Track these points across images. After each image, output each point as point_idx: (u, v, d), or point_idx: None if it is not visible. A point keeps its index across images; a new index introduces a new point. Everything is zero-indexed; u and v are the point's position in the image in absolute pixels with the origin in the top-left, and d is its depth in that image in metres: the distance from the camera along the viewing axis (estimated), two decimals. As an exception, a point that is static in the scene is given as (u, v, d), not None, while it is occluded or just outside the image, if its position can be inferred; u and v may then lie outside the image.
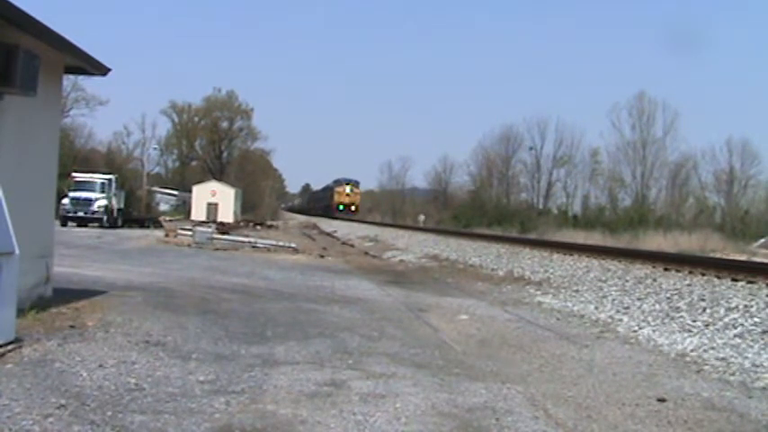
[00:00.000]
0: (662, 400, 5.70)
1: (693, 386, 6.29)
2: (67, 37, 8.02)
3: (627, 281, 13.29)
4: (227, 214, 54.57)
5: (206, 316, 8.39)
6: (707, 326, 8.91)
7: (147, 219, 43.09)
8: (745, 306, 9.64)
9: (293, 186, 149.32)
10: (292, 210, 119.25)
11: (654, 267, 14.82)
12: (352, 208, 79.09)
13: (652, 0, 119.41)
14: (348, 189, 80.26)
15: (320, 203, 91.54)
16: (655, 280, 12.99)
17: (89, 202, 34.28)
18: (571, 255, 19.07)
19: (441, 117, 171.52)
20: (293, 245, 24.19)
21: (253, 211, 66.80)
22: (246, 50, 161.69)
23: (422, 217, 61.75)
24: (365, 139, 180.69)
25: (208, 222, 41.54)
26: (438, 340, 8.02)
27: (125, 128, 74.20)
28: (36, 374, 5.17)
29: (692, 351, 7.79)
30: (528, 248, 22.34)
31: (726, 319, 9.05)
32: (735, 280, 12.21)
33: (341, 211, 77.77)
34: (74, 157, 47.13)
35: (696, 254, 23.07)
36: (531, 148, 68.10)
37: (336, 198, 79.65)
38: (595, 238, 33.46)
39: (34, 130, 8.19)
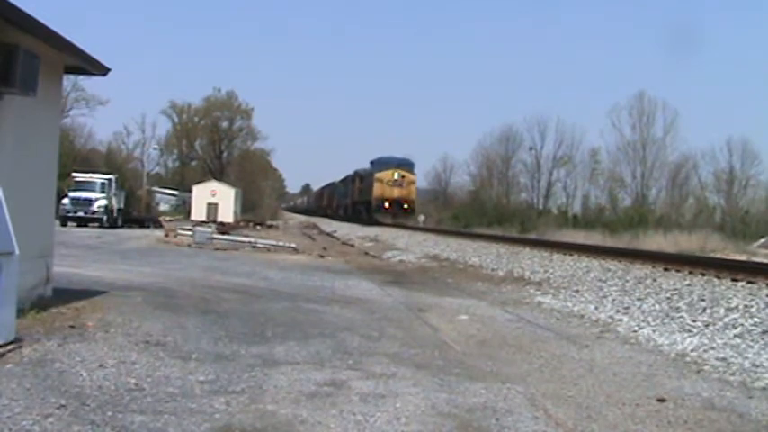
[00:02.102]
0: (662, 400, 5.71)
1: (693, 386, 6.29)
2: (67, 37, 8.03)
3: (627, 281, 13.28)
4: (227, 214, 54.53)
5: (206, 316, 8.39)
6: (707, 326, 8.91)
7: (147, 219, 43.08)
8: (745, 306, 9.64)
9: (293, 186, 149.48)
10: (295, 210, 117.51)
11: (654, 267, 14.81)
12: (405, 206, 49.43)
13: (652, 0, 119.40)
14: (397, 175, 49.64)
15: (342, 200, 64.01)
16: (655, 280, 12.98)
17: (89, 202, 34.30)
18: (571, 255, 19.06)
19: (441, 117, 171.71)
20: (293, 245, 24.18)
21: (253, 211, 66.70)
22: (246, 50, 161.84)
23: (422, 217, 61.43)
24: (365, 138, 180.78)
25: (208, 222, 41.57)
26: (438, 340, 8.02)
27: (125, 128, 74.41)
28: (36, 374, 5.17)
29: (692, 351, 7.79)
30: (528, 248, 22.33)
31: (726, 319, 9.05)
32: (735, 280, 12.21)
33: (385, 211, 49.11)
34: (74, 157, 47.15)
35: (696, 254, 23.06)
36: (531, 148, 67.99)
37: (378, 191, 49.41)
38: (595, 239, 33.44)
39: (34, 130, 8.19)
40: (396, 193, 49.83)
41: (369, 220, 49.99)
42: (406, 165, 52.40)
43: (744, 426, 5.18)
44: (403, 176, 50.41)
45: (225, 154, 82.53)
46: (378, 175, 50.39)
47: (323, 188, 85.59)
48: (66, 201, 33.53)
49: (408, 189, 50.66)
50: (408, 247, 27.42)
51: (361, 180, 55.57)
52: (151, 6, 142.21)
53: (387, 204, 49.25)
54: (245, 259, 18.73)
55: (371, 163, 52.97)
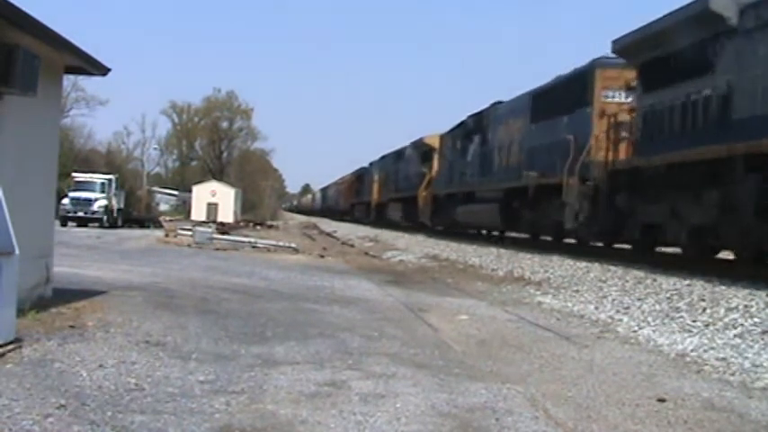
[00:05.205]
0: (662, 401, 5.70)
1: (693, 386, 6.29)
2: (67, 37, 8.03)
3: (627, 281, 13.27)
4: (227, 214, 54.62)
5: (206, 316, 8.39)
6: (707, 326, 8.90)
7: (147, 219, 43.14)
8: (745, 306, 9.63)
9: (293, 186, 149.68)
10: (299, 210, 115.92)
11: (654, 267, 14.81)
12: None
13: (652, 0, 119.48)
14: None
15: (455, 183, 29.66)
16: (655, 280, 12.97)
17: (89, 202, 34.40)
18: (571, 255, 19.05)
19: (440, 117, 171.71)
20: (293, 245, 24.19)
21: (253, 211, 66.78)
22: (246, 50, 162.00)
23: (422, 217, 60.78)
24: (365, 138, 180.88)
25: (208, 222, 41.61)
26: (438, 340, 8.01)
27: (125, 128, 74.88)
28: (36, 374, 5.17)
29: (692, 351, 7.78)
30: (528, 248, 22.32)
31: (726, 319, 9.04)
32: (735, 280, 12.20)
33: None
34: (74, 157, 47.26)
35: (696, 254, 23.01)
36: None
37: None
38: (595, 239, 33.35)
39: (34, 130, 8.19)
40: None
41: None
42: None
43: (744, 426, 5.17)
44: None
45: (225, 154, 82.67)
46: None
47: (357, 173, 56.85)
48: (66, 201, 33.62)
49: None
50: (408, 247, 27.42)
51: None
52: (151, 6, 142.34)
53: None
54: (245, 259, 18.73)
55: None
